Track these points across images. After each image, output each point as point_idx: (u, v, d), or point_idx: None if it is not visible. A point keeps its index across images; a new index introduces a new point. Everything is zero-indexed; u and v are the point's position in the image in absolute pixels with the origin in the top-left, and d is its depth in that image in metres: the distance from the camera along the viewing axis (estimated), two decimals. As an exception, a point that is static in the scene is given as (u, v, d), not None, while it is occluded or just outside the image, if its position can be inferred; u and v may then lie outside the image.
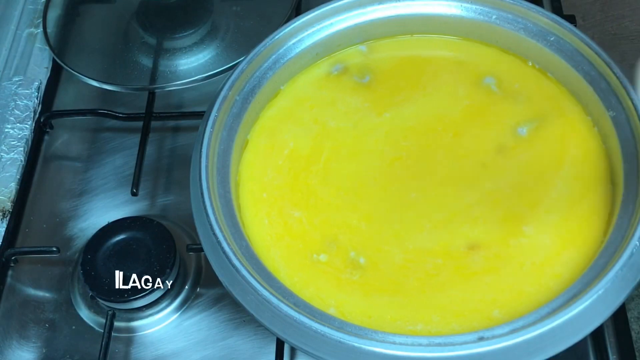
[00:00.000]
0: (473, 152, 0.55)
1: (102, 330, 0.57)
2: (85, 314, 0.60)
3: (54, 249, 0.62)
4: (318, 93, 0.60)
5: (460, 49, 0.61)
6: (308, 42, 0.60)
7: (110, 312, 0.58)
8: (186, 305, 0.60)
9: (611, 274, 0.45)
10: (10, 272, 0.63)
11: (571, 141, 0.55)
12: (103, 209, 0.66)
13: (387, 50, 0.62)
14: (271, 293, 0.46)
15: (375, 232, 0.53)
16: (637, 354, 0.55)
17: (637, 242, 0.46)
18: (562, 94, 0.57)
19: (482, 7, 0.60)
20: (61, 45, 0.75)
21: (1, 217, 0.65)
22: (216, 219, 0.49)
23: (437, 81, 0.59)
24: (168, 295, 0.59)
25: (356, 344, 0.43)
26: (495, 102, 0.58)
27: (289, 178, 0.56)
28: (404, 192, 0.54)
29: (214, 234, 0.48)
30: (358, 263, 0.51)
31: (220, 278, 0.48)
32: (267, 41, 0.58)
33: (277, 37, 0.58)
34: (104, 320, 0.58)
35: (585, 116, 0.56)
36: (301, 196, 0.55)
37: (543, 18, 0.57)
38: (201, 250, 0.51)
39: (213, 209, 0.49)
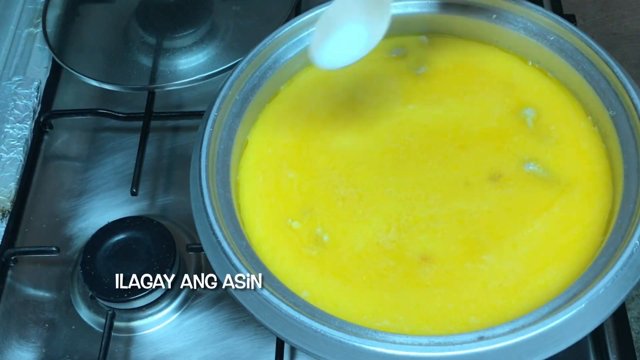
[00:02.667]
0: (465, 169, 0.55)
1: (102, 330, 0.57)
2: (85, 313, 0.60)
3: (54, 248, 0.62)
4: (363, 64, 0.60)
5: (519, 72, 0.59)
6: (308, 42, 0.60)
7: (110, 312, 0.58)
8: (186, 305, 0.60)
9: (611, 274, 0.45)
10: (10, 272, 0.63)
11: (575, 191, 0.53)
12: (103, 209, 0.66)
13: (449, 49, 0.61)
14: (271, 293, 0.46)
15: (347, 214, 0.53)
16: (637, 354, 0.55)
17: (637, 242, 0.46)
18: (596, 160, 0.54)
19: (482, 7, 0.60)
20: (61, 45, 0.75)
21: (1, 217, 0.65)
22: (216, 218, 0.49)
23: (480, 95, 0.58)
24: (168, 295, 0.59)
25: (356, 344, 0.43)
26: (521, 134, 0.56)
27: (298, 138, 0.58)
28: (382, 184, 0.55)
29: (214, 233, 0.48)
30: (321, 239, 0.52)
31: (220, 278, 0.48)
32: (267, 41, 0.58)
33: (277, 37, 0.58)
34: (103, 320, 0.58)
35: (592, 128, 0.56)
36: (301, 158, 0.56)
37: (543, 18, 0.57)
38: (201, 250, 0.51)
39: (213, 208, 0.49)
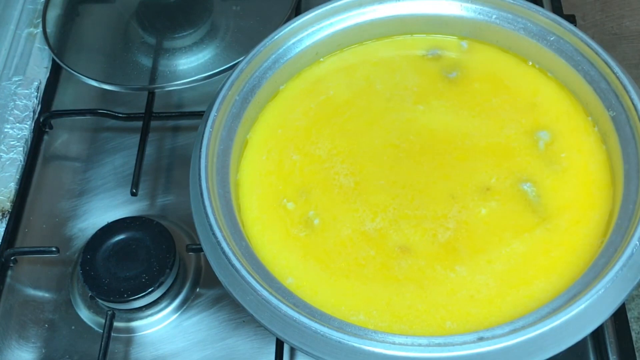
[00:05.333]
0: (456, 180, 0.54)
1: (102, 331, 0.57)
2: (84, 314, 0.60)
3: (54, 249, 0.62)
4: (396, 59, 0.61)
5: (545, 92, 0.58)
6: (308, 42, 0.60)
7: (109, 313, 0.58)
8: (186, 305, 0.60)
9: (611, 274, 0.44)
10: (9, 272, 0.63)
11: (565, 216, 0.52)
12: (102, 209, 0.66)
13: (484, 58, 0.60)
14: (271, 293, 0.46)
15: (341, 201, 0.54)
16: (637, 354, 0.55)
17: (637, 242, 0.46)
18: (598, 187, 0.53)
19: (482, 7, 0.60)
20: (61, 45, 0.75)
21: (1, 217, 0.65)
22: (216, 219, 0.49)
23: (498, 111, 0.57)
24: (167, 295, 0.59)
25: (356, 344, 0.43)
26: (528, 155, 0.55)
27: (309, 121, 0.58)
28: (377, 176, 0.55)
29: (214, 234, 0.48)
30: (312, 222, 0.53)
31: (220, 278, 0.48)
32: (267, 41, 0.58)
33: (277, 37, 0.58)
34: (103, 321, 0.58)
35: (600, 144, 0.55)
36: (308, 141, 0.57)
37: (543, 18, 0.57)
38: (201, 250, 0.51)
39: (213, 209, 0.49)
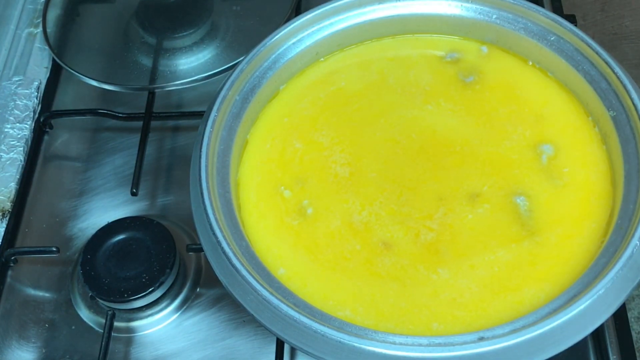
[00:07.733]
0: (447, 182, 0.54)
1: (102, 331, 0.57)
2: (85, 314, 0.60)
3: (54, 249, 0.62)
4: (409, 55, 0.61)
5: (554, 104, 0.57)
6: (308, 42, 0.60)
7: (110, 312, 0.58)
8: (186, 305, 0.60)
9: (611, 274, 0.44)
10: (10, 272, 0.63)
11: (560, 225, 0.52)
12: (103, 209, 0.66)
13: (501, 65, 0.60)
14: (271, 293, 0.46)
15: (335, 191, 0.54)
16: (637, 354, 0.55)
17: (637, 242, 0.46)
18: (600, 201, 0.52)
19: (482, 7, 0.60)
20: (61, 45, 0.75)
21: (1, 217, 0.65)
22: (216, 219, 0.49)
23: (503, 122, 0.57)
24: (168, 295, 0.59)
25: (356, 344, 0.43)
26: (527, 168, 0.54)
27: (317, 110, 0.58)
28: (371, 168, 0.55)
29: (214, 234, 0.48)
30: (305, 211, 0.53)
31: (220, 278, 0.48)
32: (267, 41, 0.58)
33: (277, 37, 0.58)
34: (103, 321, 0.58)
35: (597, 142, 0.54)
36: (313, 129, 0.57)
37: (543, 18, 0.57)
38: (201, 250, 0.51)
39: (213, 209, 0.49)
